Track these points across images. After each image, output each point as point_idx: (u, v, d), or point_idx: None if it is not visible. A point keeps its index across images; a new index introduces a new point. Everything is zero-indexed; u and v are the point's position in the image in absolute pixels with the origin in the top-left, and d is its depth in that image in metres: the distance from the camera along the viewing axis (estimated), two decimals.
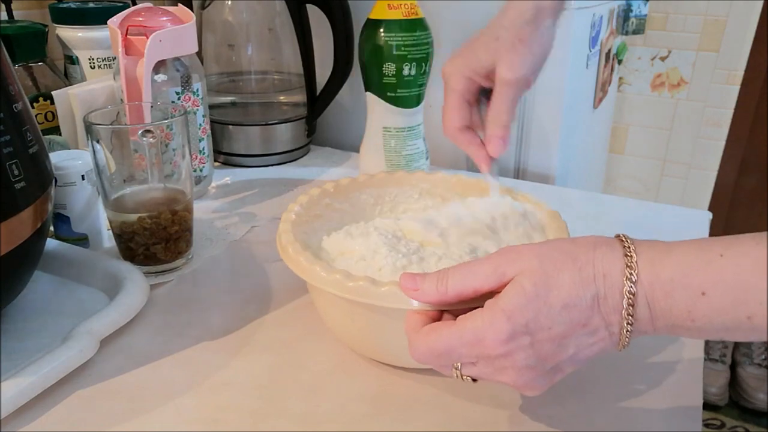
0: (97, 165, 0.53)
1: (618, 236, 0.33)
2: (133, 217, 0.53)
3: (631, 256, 0.31)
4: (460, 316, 0.34)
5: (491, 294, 0.34)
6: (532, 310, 0.31)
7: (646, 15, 1.27)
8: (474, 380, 0.35)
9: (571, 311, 0.31)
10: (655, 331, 0.31)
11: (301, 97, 0.88)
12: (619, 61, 1.27)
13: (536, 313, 0.31)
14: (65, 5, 0.76)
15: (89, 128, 0.51)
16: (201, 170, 0.73)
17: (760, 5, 1.46)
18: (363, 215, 0.54)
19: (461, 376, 0.35)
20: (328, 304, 0.44)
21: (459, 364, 0.34)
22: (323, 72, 0.84)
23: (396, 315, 0.39)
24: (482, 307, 0.33)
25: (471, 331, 0.33)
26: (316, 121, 0.90)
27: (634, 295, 0.30)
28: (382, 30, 0.68)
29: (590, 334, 0.32)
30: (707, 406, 1.48)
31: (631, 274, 0.31)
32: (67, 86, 0.69)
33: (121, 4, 0.75)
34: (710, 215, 0.69)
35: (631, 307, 0.31)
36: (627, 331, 0.31)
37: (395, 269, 0.43)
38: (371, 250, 0.45)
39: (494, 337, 0.32)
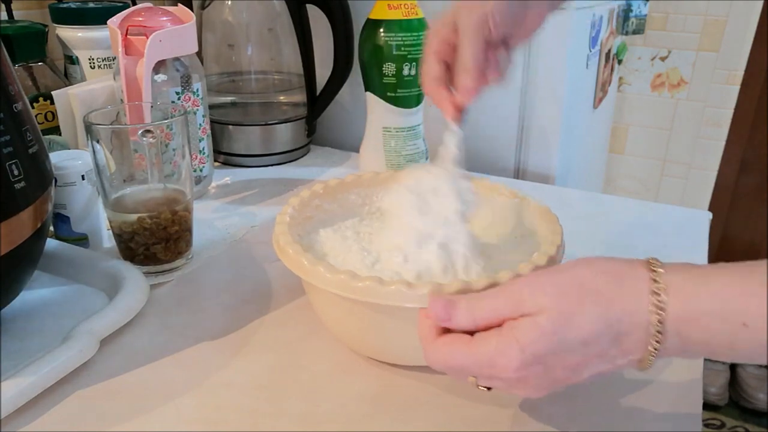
0: (97, 165, 0.53)
1: (649, 263, 0.32)
2: (133, 217, 0.53)
3: (659, 294, 0.30)
4: (477, 335, 0.34)
5: None
6: (548, 345, 0.31)
7: (646, 15, 1.27)
8: (489, 389, 0.35)
9: (589, 346, 0.31)
10: (685, 354, 0.31)
11: (301, 97, 0.88)
12: (619, 61, 1.27)
13: (552, 348, 0.31)
14: (65, 5, 0.76)
15: (89, 128, 0.51)
16: (201, 170, 0.73)
17: (760, 5, 1.46)
18: (352, 215, 0.54)
19: (477, 385, 0.35)
20: (327, 303, 0.44)
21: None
22: (323, 72, 0.84)
23: (399, 314, 0.40)
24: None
25: (484, 355, 0.33)
26: (316, 121, 0.90)
27: (661, 333, 0.30)
28: (382, 30, 0.68)
29: (607, 362, 0.32)
30: (707, 406, 1.48)
31: (659, 312, 0.30)
32: (67, 86, 0.69)
33: (121, 4, 0.75)
34: (710, 215, 0.69)
35: (657, 343, 0.30)
36: (650, 360, 0.31)
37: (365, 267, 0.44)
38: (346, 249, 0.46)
39: (506, 364, 0.32)
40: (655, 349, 0.30)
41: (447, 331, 0.35)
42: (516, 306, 0.33)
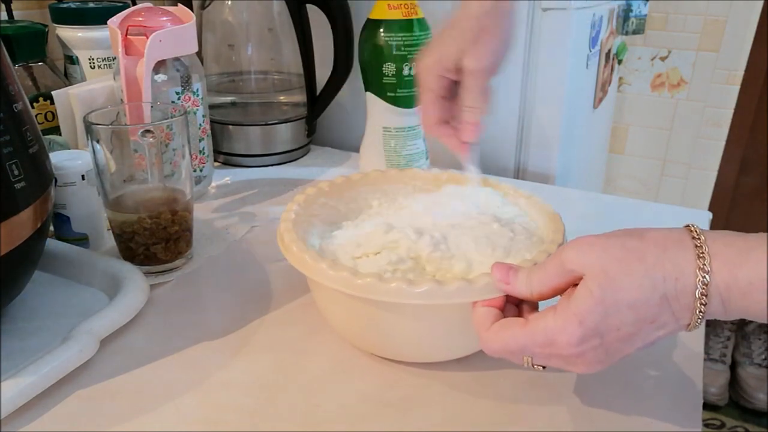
0: (97, 165, 0.53)
1: (689, 230, 0.32)
2: (133, 217, 0.53)
3: (704, 258, 0.31)
4: (533, 316, 0.35)
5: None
6: (601, 312, 0.32)
7: (646, 15, 1.27)
8: (544, 368, 0.36)
9: (639, 310, 0.32)
10: (727, 318, 0.32)
11: (301, 97, 0.88)
12: (619, 61, 1.27)
13: (605, 315, 0.32)
14: (65, 5, 0.76)
15: (89, 128, 0.51)
16: (201, 170, 0.73)
17: (760, 5, 1.46)
18: (359, 213, 0.54)
19: (532, 365, 0.36)
20: (330, 300, 0.44)
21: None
22: (323, 72, 0.84)
23: (399, 311, 0.40)
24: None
25: (543, 333, 0.34)
26: (316, 121, 0.90)
27: (707, 296, 0.31)
28: (382, 30, 0.68)
29: (659, 328, 0.33)
30: (707, 406, 1.48)
31: (704, 277, 0.30)
32: (67, 86, 0.69)
33: (121, 4, 0.75)
34: (710, 215, 0.69)
35: (703, 306, 0.31)
36: (696, 324, 0.32)
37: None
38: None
39: (566, 340, 0.33)
40: (702, 312, 0.31)
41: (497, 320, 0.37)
42: (561, 265, 0.34)
